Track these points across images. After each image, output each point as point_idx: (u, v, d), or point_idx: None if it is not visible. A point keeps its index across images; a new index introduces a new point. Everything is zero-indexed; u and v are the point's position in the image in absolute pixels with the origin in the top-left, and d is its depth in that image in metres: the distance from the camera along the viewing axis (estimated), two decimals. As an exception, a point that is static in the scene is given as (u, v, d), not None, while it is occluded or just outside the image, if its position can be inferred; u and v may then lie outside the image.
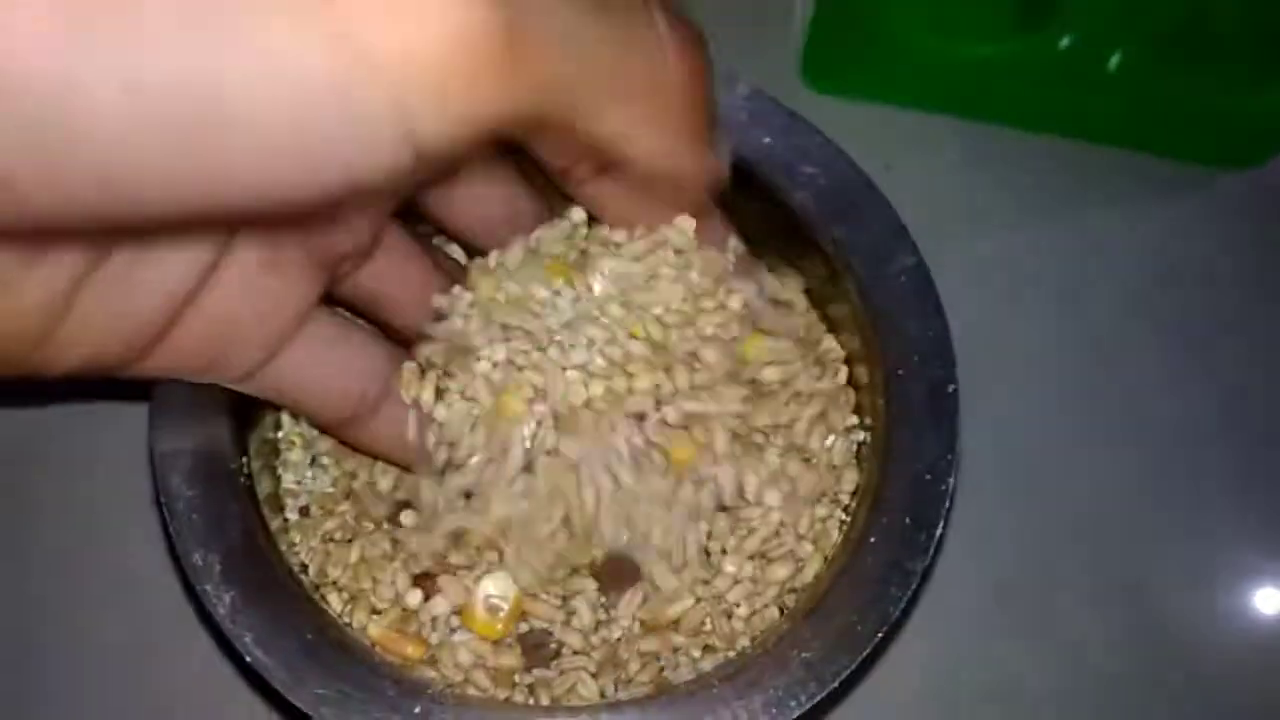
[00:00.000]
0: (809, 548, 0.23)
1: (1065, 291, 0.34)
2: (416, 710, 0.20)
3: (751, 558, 0.23)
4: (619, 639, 0.23)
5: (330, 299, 0.22)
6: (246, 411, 0.23)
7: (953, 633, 0.29)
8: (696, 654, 0.23)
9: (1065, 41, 0.32)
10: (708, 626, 0.23)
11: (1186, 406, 0.33)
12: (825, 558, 0.23)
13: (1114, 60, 0.33)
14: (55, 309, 0.17)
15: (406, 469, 0.24)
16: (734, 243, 0.23)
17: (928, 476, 0.22)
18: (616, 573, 0.22)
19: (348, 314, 0.23)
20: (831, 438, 0.24)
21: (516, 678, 0.22)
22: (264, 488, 0.23)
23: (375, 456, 0.24)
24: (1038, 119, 0.35)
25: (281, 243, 0.20)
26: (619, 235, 0.22)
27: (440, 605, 0.22)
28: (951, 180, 0.35)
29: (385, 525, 0.24)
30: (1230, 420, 0.33)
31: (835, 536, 0.23)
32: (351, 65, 0.13)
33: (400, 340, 0.24)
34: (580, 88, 0.16)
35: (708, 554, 0.23)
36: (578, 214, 0.23)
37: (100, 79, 0.12)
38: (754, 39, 0.36)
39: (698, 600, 0.23)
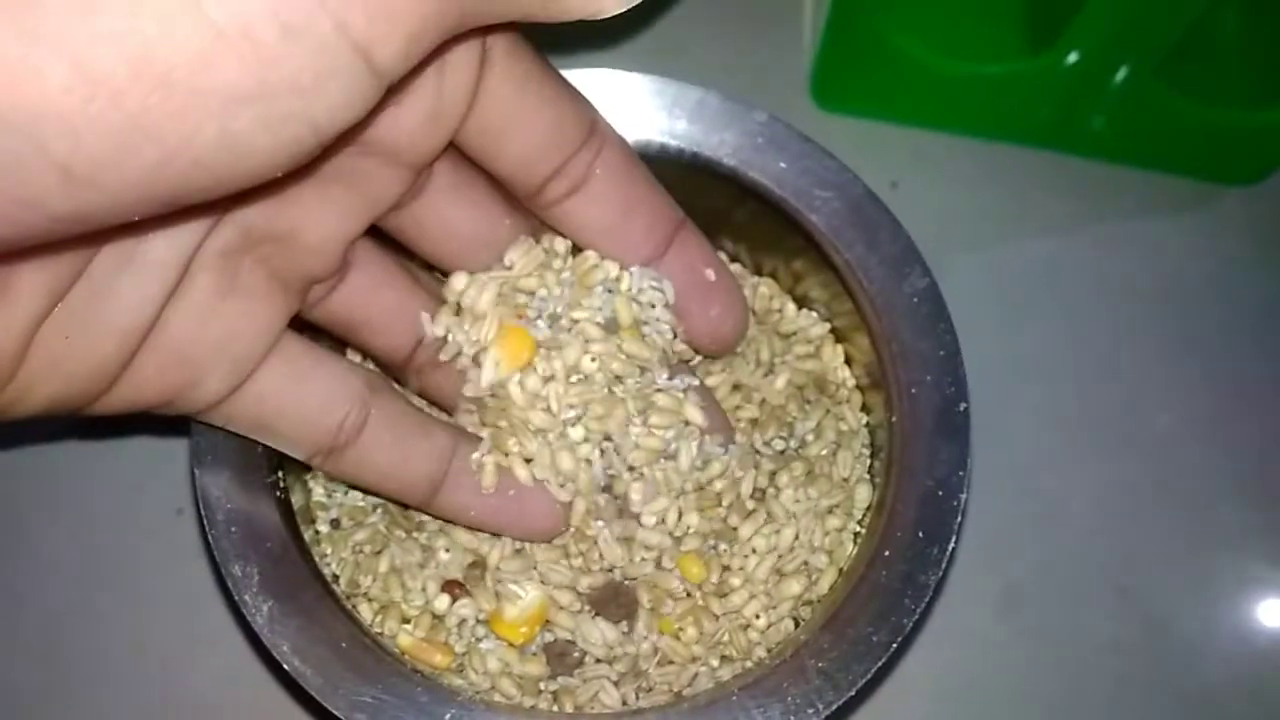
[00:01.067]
0: (824, 560, 0.24)
1: (1070, 306, 0.35)
2: (447, 717, 0.21)
3: (767, 573, 0.24)
4: (640, 653, 0.24)
5: (306, 325, 0.22)
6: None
7: (964, 640, 0.30)
8: (715, 664, 0.24)
9: (1070, 61, 0.33)
10: (725, 638, 0.24)
11: (1189, 418, 0.34)
12: (840, 570, 0.24)
13: (1119, 79, 0.34)
14: (16, 351, 0.17)
15: (396, 501, 0.24)
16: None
17: (940, 492, 0.23)
18: (613, 601, 0.24)
19: (329, 340, 0.23)
20: (845, 454, 0.25)
21: (541, 685, 0.24)
22: (297, 500, 0.24)
23: (362, 489, 0.25)
24: (1043, 136, 0.37)
25: (240, 267, 0.20)
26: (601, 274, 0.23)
27: (467, 608, 0.24)
28: (957, 197, 0.36)
29: (414, 534, 0.25)
30: (1232, 432, 0.34)
31: (850, 549, 0.24)
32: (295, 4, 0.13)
33: (384, 364, 0.24)
34: None
35: (725, 569, 0.24)
36: (560, 244, 0.24)
37: (48, 60, 0.12)
38: (766, 59, 0.37)
39: (716, 616, 0.24)
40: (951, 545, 0.22)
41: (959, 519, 0.23)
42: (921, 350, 0.24)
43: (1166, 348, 0.35)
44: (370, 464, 0.22)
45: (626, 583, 0.24)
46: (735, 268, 0.29)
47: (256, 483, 0.23)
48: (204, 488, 0.22)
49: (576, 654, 0.24)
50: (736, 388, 0.26)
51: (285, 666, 0.21)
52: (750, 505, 0.24)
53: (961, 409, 0.24)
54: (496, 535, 0.24)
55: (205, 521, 0.22)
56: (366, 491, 0.25)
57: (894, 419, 0.24)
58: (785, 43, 0.37)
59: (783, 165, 0.26)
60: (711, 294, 0.24)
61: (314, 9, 0.13)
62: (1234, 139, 0.36)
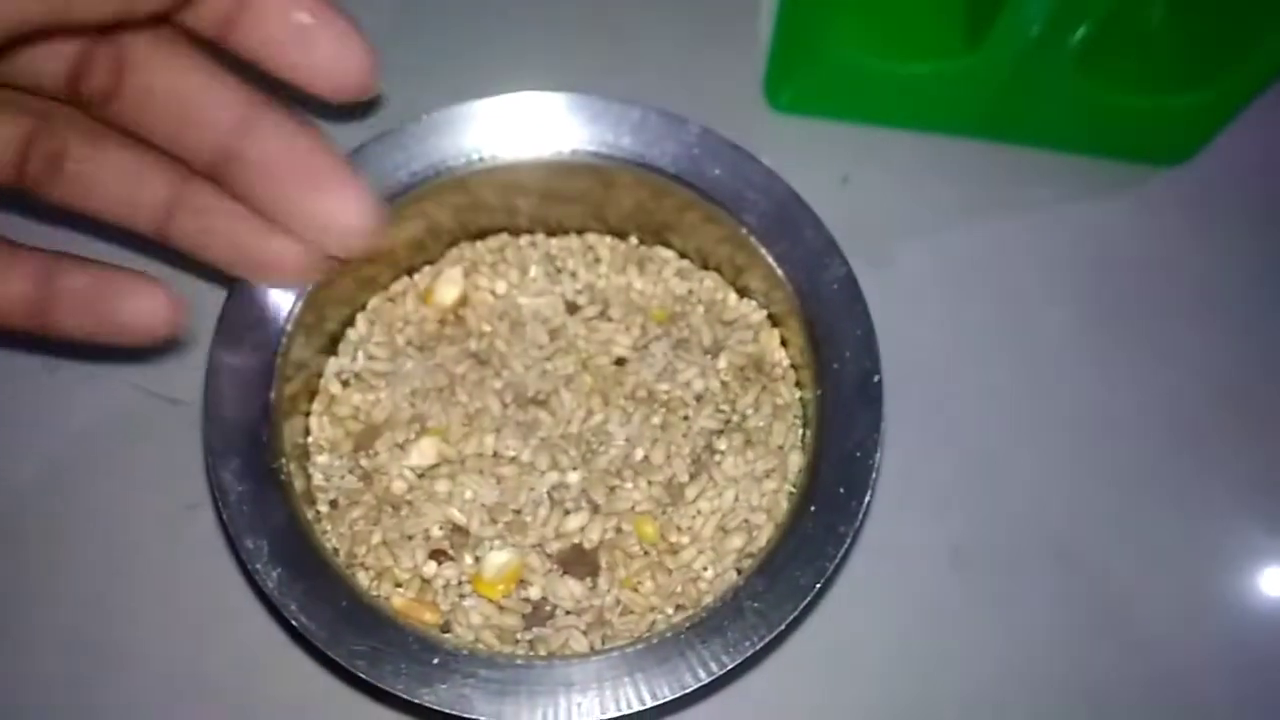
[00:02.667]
0: (763, 518, 0.28)
1: (1011, 286, 0.39)
2: (435, 661, 0.25)
3: (712, 531, 0.28)
4: (604, 605, 0.28)
5: None
6: (282, 419, 0.28)
7: (915, 598, 0.33)
8: (670, 611, 0.28)
9: (1000, 56, 0.36)
10: (678, 589, 0.28)
11: (1125, 388, 0.37)
12: (776, 525, 0.28)
13: (1047, 71, 0.37)
14: None
15: None
16: None
17: (857, 453, 0.27)
18: (578, 561, 0.28)
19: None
20: (779, 425, 0.29)
21: (519, 636, 0.28)
22: (299, 484, 0.28)
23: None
24: (982, 127, 0.40)
25: None
26: None
27: (451, 570, 0.28)
28: (904, 187, 0.40)
29: (400, 510, 0.29)
30: (1166, 400, 0.37)
31: (784, 508, 0.28)
32: None
33: None
34: None
35: (676, 529, 0.28)
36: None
37: None
38: (720, 63, 0.41)
39: (669, 571, 0.28)
40: (868, 498, 0.26)
41: (874, 475, 0.26)
42: (842, 330, 0.28)
43: (1102, 323, 0.38)
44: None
45: (588, 546, 0.28)
46: (685, 264, 0.33)
47: (262, 469, 0.27)
48: (217, 473, 0.27)
49: (548, 608, 0.28)
50: (685, 369, 0.30)
51: (294, 623, 0.25)
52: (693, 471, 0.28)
53: (875, 380, 0.27)
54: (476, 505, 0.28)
55: (219, 502, 0.26)
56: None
57: (819, 392, 0.28)
58: (741, 48, 0.41)
59: (717, 172, 0.29)
60: (310, 37, 0.23)
61: None
62: (1161, 122, 0.39)
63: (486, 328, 0.32)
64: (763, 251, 0.29)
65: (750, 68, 0.41)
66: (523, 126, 0.30)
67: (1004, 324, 0.38)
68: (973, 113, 0.40)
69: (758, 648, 0.25)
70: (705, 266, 0.32)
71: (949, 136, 0.40)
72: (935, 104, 0.40)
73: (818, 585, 0.25)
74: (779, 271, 0.29)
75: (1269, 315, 0.39)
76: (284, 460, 0.28)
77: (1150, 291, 0.39)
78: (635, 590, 0.28)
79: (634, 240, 0.33)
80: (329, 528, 0.29)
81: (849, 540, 0.26)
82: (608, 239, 0.33)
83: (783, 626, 0.25)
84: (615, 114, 0.30)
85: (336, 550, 0.29)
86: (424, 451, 0.29)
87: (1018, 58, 0.37)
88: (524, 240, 0.33)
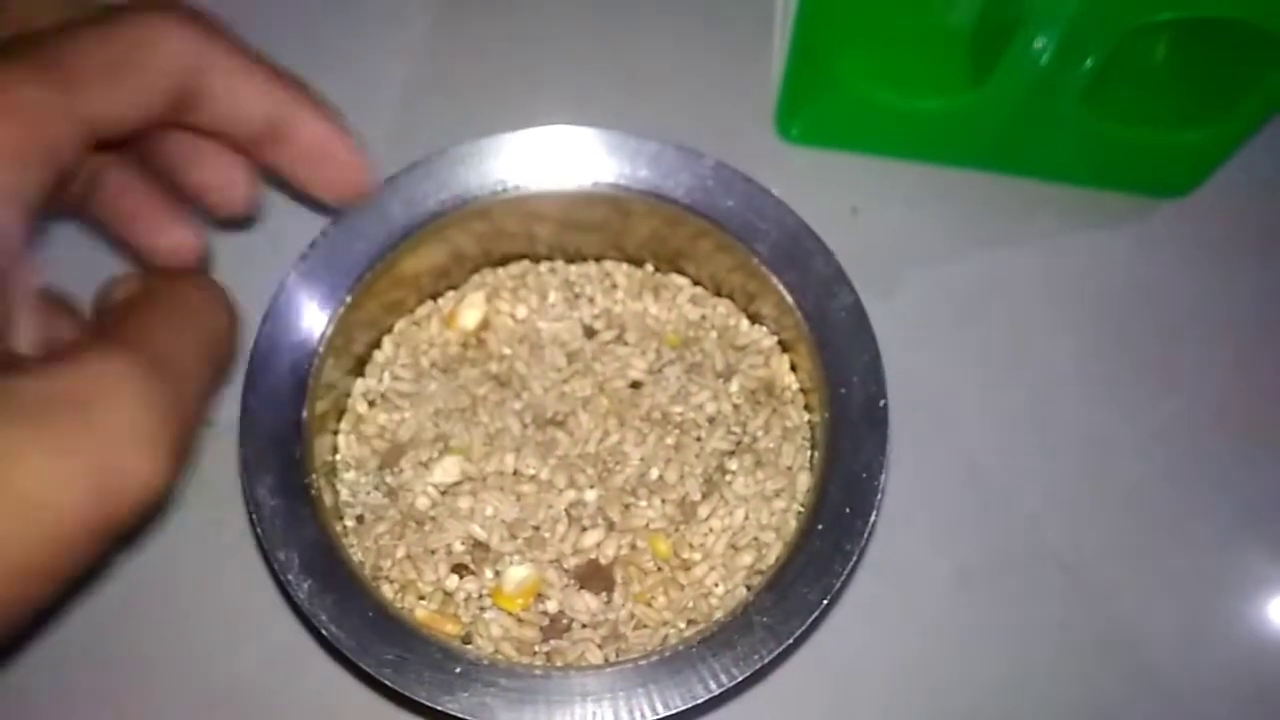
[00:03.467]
0: (771, 536, 0.30)
1: (1017, 313, 0.40)
2: (458, 670, 0.27)
3: (723, 549, 0.29)
4: (619, 619, 0.29)
5: None
6: (313, 437, 0.30)
7: (918, 616, 0.35)
8: (682, 625, 0.29)
9: (1010, 90, 0.38)
10: (690, 605, 0.29)
11: (1127, 413, 0.38)
12: (785, 543, 0.29)
13: (1055, 104, 0.38)
14: None
15: None
16: None
17: (864, 475, 0.28)
18: (594, 576, 0.29)
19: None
20: (788, 447, 0.31)
21: (536, 648, 0.29)
22: (327, 500, 0.30)
23: None
24: (988, 160, 0.41)
25: None
26: None
27: (472, 584, 0.29)
28: (912, 218, 0.41)
29: (424, 525, 0.30)
30: (1166, 425, 0.38)
31: (793, 526, 0.30)
32: None
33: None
34: None
35: (689, 546, 0.30)
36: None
37: None
38: (735, 96, 0.43)
39: (681, 586, 0.29)
40: (873, 518, 0.28)
41: (879, 496, 0.28)
42: (849, 356, 0.29)
43: (1105, 350, 0.40)
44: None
45: (604, 561, 0.29)
46: (698, 290, 0.34)
47: (294, 485, 0.28)
48: (252, 489, 0.28)
49: (565, 621, 0.29)
50: (698, 391, 0.32)
51: (324, 633, 0.27)
52: (705, 491, 0.30)
53: (881, 405, 0.29)
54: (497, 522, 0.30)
55: (254, 516, 0.28)
56: None
57: (827, 415, 0.29)
58: (754, 82, 0.43)
59: (730, 204, 0.31)
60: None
61: None
62: (1163, 157, 0.41)
63: (507, 350, 0.33)
64: (774, 280, 0.31)
65: (763, 103, 0.42)
66: (544, 159, 0.31)
67: (1008, 351, 0.39)
68: (979, 145, 0.41)
69: (766, 661, 0.26)
70: (718, 293, 0.34)
71: (955, 168, 0.42)
72: (942, 137, 0.41)
73: (825, 601, 0.27)
74: (789, 299, 0.30)
75: (1269, 343, 0.40)
76: (314, 476, 0.29)
77: (1153, 320, 0.40)
78: (649, 605, 0.29)
79: (649, 268, 0.34)
80: (355, 542, 0.30)
81: (855, 558, 0.27)
82: (624, 266, 0.34)
83: (791, 640, 0.27)
84: (633, 147, 0.31)
85: (362, 564, 0.30)
86: (447, 469, 0.31)
87: (1023, 93, 0.38)
88: (544, 267, 0.35)
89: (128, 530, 0.20)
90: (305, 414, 0.29)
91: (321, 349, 0.30)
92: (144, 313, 0.23)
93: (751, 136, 0.42)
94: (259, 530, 0.28)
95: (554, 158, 0.31)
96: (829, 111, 0.41)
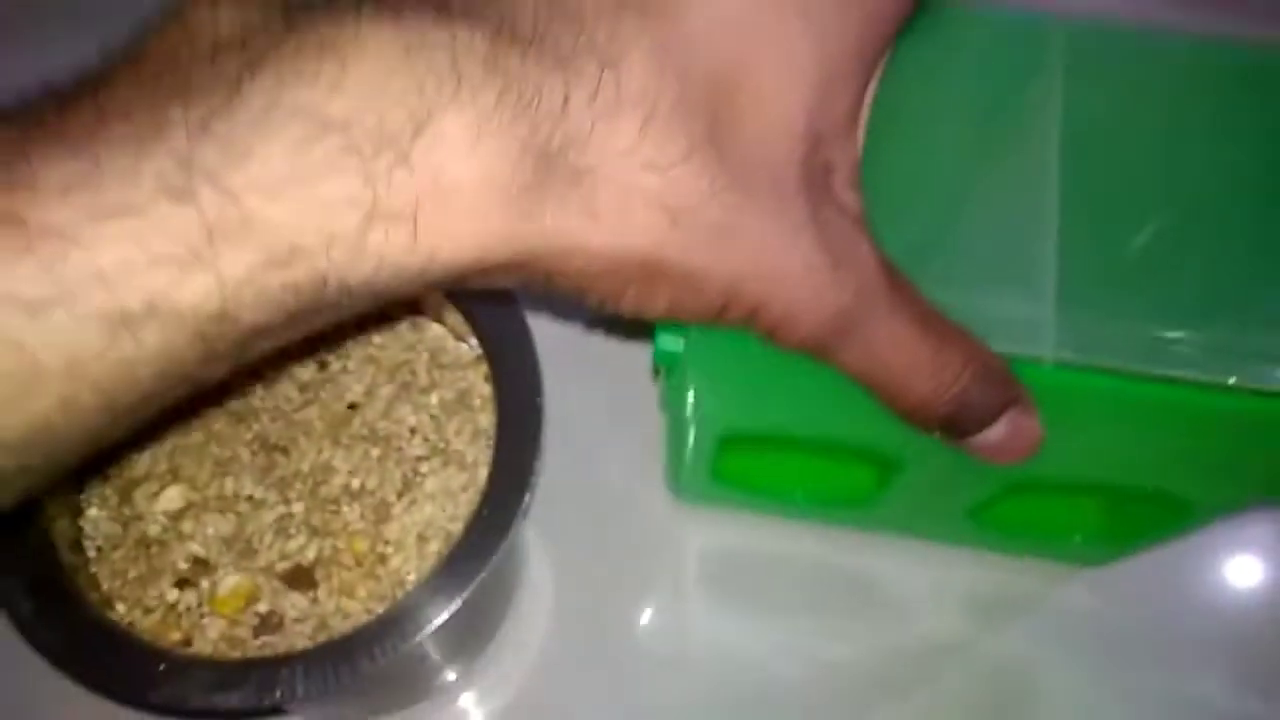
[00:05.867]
0: (459, 526, 0.34)
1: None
2: (162, 667, 0.30)
3: (414, 540, 0.34)
4: (326, 612, 0.33)
5: None
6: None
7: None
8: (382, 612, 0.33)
9: (912, 492, 0.37)
10: (388, 593, 0.33)
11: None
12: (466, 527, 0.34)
13: (956, 500, 0.38)
14: None
15: None
16: None
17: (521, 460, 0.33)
18: (300, 577, 0.33)
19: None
20: (473, 448, 0.35)
21: (249, 644, 0.33)
22: (70, 535, 0.34)
23: None
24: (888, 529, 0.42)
25: None
26: None
27: (192, 595, 0.33)
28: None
29: (153, 549, 0.34)
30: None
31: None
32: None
33: None
34: None
35: (385, 542, 0.34)
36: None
37: None
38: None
39: (380, 578, 0.33)
40: (527, 497, 0.32)
41: (533, 477, 0.32)
42: (513, 365, 0.34)
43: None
44: None
45: (306, 563, 0.34)
46: (419, 318, 0.39)
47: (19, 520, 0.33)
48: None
49: (276, 619, 0.33)
50: (401, 406, 0.36)
51: (32, 644, 0.31)
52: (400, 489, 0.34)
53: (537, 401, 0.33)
54: (215, 539, 0.34)
55: (-17, 550, 0.32)
56: None
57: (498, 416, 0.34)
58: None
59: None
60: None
61: None
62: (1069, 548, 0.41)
63: (247, 387, 0.38)
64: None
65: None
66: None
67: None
68: (875, 523, 0.42)
69: (437, 625, 0.30)
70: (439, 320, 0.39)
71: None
72: (843, 519, 0.42)
73: (481, 574, 0.31)
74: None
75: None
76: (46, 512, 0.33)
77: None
78: (350, 597, 0.33)
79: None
80: (96, 570, 0.34)
81: (510, 529, 0.31)
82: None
83: (459, 604, 0.31)
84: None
85: (101, 587, 0.34)
86: (171, 498, 0.35)
87: (908, 510, 0.39)
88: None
89: None
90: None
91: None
92: None
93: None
94: (-13, 563, 0.32)
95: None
96: (719, 494, 0.42)
